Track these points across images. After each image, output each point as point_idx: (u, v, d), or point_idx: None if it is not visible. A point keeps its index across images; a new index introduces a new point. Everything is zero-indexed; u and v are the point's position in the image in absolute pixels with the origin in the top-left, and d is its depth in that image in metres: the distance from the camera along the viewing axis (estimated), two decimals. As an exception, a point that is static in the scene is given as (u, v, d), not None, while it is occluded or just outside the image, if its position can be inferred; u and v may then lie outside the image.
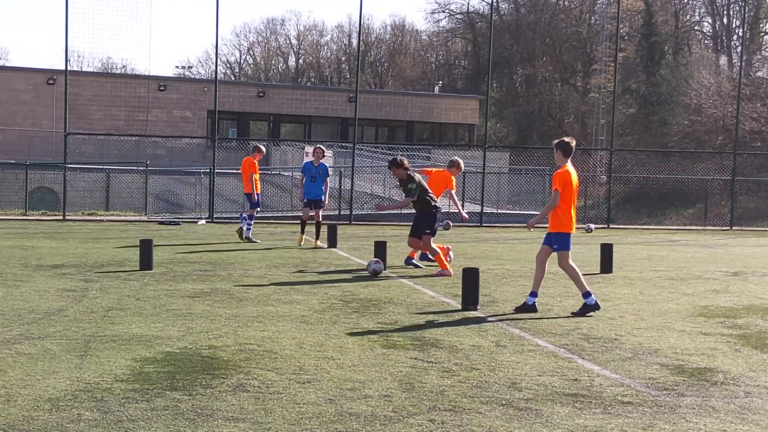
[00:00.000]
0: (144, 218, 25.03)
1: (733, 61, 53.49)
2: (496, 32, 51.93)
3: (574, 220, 9.32)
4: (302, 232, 16.79)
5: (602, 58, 52.11)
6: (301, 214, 16.95)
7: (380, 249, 13.12)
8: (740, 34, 49.73)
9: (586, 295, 9.19)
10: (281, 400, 5.49)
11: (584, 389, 6.00)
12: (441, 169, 14.59)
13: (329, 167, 18.73)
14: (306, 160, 19.22)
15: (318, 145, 17.36)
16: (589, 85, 57.76)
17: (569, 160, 9.34)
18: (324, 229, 17.05)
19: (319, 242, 16.55)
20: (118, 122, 39.99)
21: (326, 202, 16.94)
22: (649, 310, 9.67)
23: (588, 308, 9.12)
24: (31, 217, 24.14)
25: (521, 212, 31.96)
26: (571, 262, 9.27)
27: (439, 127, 50.77)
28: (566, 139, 9.43)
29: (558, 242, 9.25)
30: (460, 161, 14.56)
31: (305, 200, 16.56)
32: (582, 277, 9.31)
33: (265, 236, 19.13)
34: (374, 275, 11.94)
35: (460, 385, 6.02)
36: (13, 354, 6.61)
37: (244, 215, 17.72)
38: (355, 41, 68.52)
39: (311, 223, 16.76)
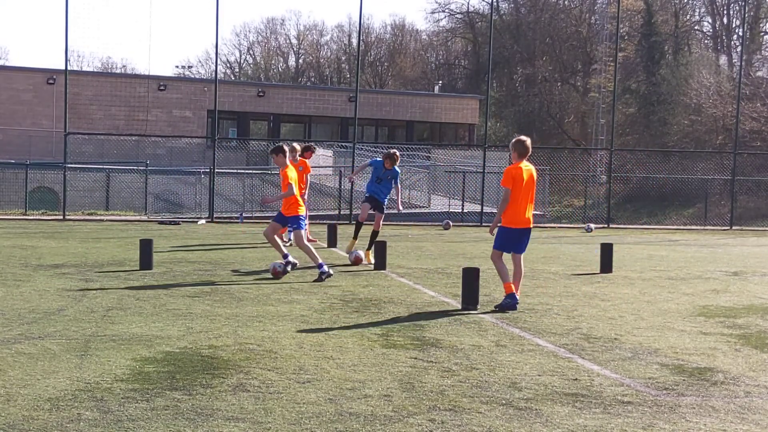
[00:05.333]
0: (144, 218, 25.03)
1: (733, 60, 53.50)
2: (496, 32, 51.94)
3: (301, 205, 11.66)
4: (355, 237, 14.01)
5: (602, 58, 52.12)
6: (360, 212, 14.09)
7: (380, 249, 13.11)
8: (740, 33, 49.72)
9: (320, 266, 11.20)
10: (281, 400, 5.49)
11: (584, 389, 6.00)
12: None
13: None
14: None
15: (393, 151, 14.00)
16: (589, 85, 57.77)
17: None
18: (323, 229, 17.00)
19: (371, 255, 13.47)
20: (118, 122, 40.01)
21: (400, 209, 14.71)
22: (649, 309, 9.67)
23: (323, 274, 11.16)
24: (31, 217, 24.13)
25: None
26: (306, 242, 11.48)
27: (439, 127, 50.79)
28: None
29: (294, 222, 11.57)
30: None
31: (367, 194, 13.91)
32: (315, 251, 11.42)
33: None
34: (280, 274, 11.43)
35: (460, 385, 6.03)
36: (13, 354, 6.61)
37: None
38: (355, 41, 68.53)
39: (369, 223, 14.23)
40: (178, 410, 5.21)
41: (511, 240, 9.52)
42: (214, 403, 5.39)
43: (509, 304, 9.27)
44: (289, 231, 16.69)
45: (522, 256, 9.64)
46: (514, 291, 9.37)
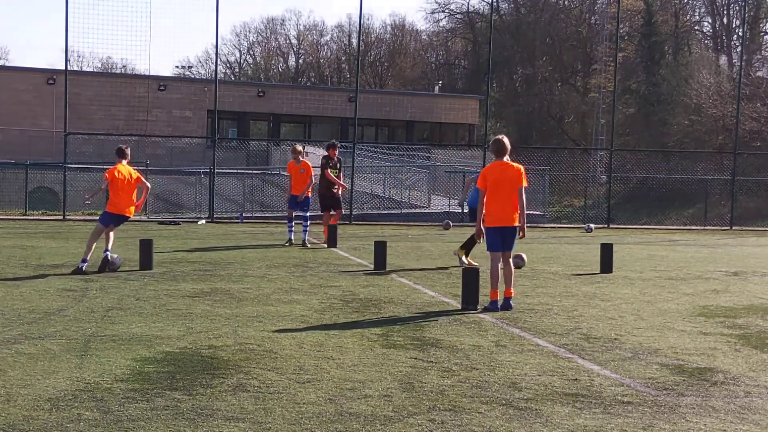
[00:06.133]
0: (144, 218, 25.02)
1: (733, 61, 53.49)
2: (496, 32, 51.94)
3: (122, 205, 12.19)
4: (467, 253, 13.98)
5: (602, 58, 52.11)
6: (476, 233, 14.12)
7: (380, 249, 13.11)
8: (740, 34, 49.73)
9: (84, 261, 11.70)
10: (281, 400, 5.49)
11: (584, 389, 6.00)
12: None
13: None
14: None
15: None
16: (589, 85, 57.77)
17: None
18: (322, 230, 17.01)
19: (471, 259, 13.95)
20: (118, 122, 39.99)
21: None
22: (649, 309, 9.67)
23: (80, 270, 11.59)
24: (31, 217, 24.14)
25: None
26: (111, 233, 12.19)
27: (439, 127, 50.81)
28: None
29: (102, 218, 12.33)
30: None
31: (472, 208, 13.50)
32: (93, 246, 11.97)
33: (265, 236, 19.14)
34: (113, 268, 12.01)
35: (460, 385, 6.03)
36: (13, 354, 6.61)
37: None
38: (355, 41, 68.52)
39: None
40: (178, 410, 5.21)
41: (497, 239, 9.47)
42: (214, 403, 5.39)
43: (489, 308, 9.27)
44: (304, 230, 16.65)
45: (510, 253, 9.59)
46: (498, 298, 9.34)
